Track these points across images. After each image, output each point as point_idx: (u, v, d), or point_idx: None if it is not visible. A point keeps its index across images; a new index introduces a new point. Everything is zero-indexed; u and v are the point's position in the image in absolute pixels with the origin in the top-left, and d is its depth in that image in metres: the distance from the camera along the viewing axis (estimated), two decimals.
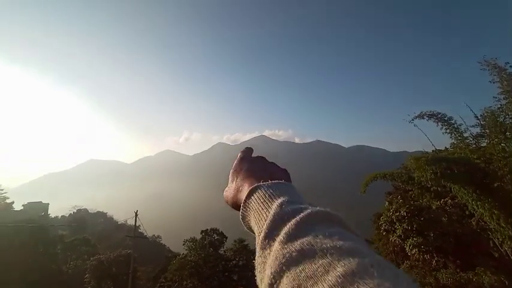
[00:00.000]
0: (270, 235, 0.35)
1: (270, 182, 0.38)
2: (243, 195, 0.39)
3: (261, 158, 0.52)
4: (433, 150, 8.51)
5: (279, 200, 0.36)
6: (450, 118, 6.95)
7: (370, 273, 0.35)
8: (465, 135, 6.90)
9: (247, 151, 0.56)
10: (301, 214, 0.35)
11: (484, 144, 6.70)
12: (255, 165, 0.49)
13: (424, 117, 7.18)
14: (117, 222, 65.55)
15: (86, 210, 68.07)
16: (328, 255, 0.35)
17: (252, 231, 0.37)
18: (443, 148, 8.58)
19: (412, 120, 7.30)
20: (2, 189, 32.01)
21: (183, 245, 26.37)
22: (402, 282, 0.35)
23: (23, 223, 25.40)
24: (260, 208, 0.36)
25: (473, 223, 7.42)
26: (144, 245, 43.53)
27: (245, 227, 0.39)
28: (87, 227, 49.46)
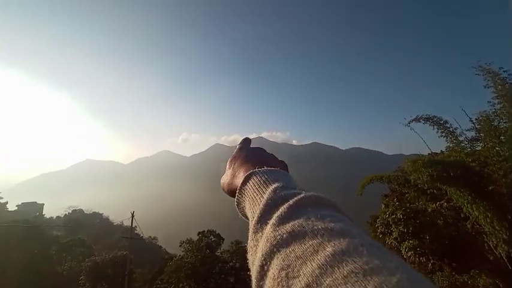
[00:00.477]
0: (263, 219, 0.35)
1: (265, 168, 0.39)
2: (239, 181, 0.40)
3: (260, 148, 0.54)
4: (429, 154, 8.60)
5: (273, 186, 0.36)
6: (446, 122, 7.06)
7: (360, 252, 0.35)
8: (460, 138, 7.00)
9: (246, 141, 0.58)
10: (294, 198, 0.35)
11: (479, 147, 6.80)
12: (253, 153, 0.51)
13: (421, 120, 7.28)
14: (113, 223, 65.04)
15: (81, 210, 67.46)
16: (318, 236, 0.35)
17: (247, 218, 0.37)
18: (439, 151, 8.67)
19: (409, 123, 7.40)
20: None
21: (180, 246, 26.23)
22: (391, 260, 0.35)
23: (17, 224, 25.14)
24: (255, 194, 0.36)
25: (469, 226, 7.48)
26: (141, 246, 43.30)
27: (240, 214, 0.40)
28: (83, 227, 49.00)
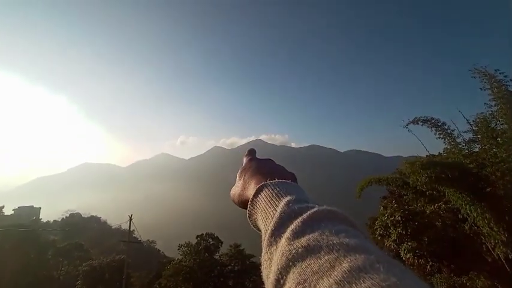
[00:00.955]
0: (277, 232, 0.36)
1: (276, 180, 0.39)
2: (250, 193, 0.40)
3: (269, 160, 0.54)
4: (427, 155, 8.64)
5: (286, 199, 0.36)
6: (444, 123, 7.10)
7: (376, 269, 0.35)
8: (458, 140, 7.05)
9: (252, 152, 0.58)
10: (308, 212, 0.36)
11: (477, 149, 6.84)
12: (263, 164, 0.51)
13: (419, 122, 7.33)
14: (111, 226, 64.52)
15: (79, 214, 66.91)
16: (334, 251, 0.35)
17: (258, 229, 0.37)
18: (436, 153, 8.72)
19: (407, 125, 7.44)
20: None
21: (178, 250, 26.06)
22: (408, 278, 0.35)
23: (14, 228, 24.90)
24: (267, 206, 0.36)
25: (467, 228, 7.51)
26: (138, 250, 42.92)
27: (251, 225, 0.40)
28: (80, 231, 48.58)
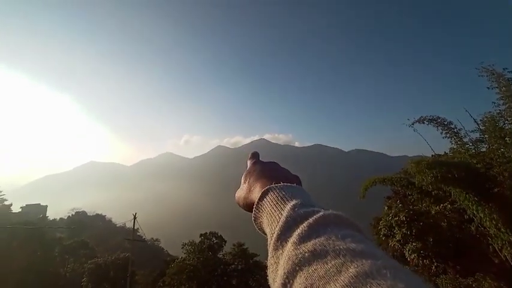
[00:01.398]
0: (283, 236, 0.36)
1: (282, 184, 0.39)
2: (255, 196, 0.40)
3: (274, 163, 0.54)
4: (432, 155, 8.53)
5: (292, 203, 0.37)
6: (450, 122, 7.00)
7: (383, 274, 0.35)
8: (465, 140, 6.94)
9: (256, 155, 0.58)
10: (314, 216, 0.36)
11: (484, 149, 6.73)
12: (268, 168, 0.50)
13: (424, 121, 7.23)
14: (116, 225, 65.27)
15: (84, 212, 67.68)
16: (341, 256, 0.35)
17: (264, 233, 0.37)
18: (442, 153, 8.60)
19: (412, 124, 7.35)
20: (0, 191, 31.86)
21: (182, 248, 26.17)
22: (416, 284, 0.35)
23: (21, 225, 25.27)
24: (273, 210, 0.37)
25: (473, 228, 7.40)
26: (143, 248, 43.30)
27: (256, 228, 0.40)
28: (86, 229, 49.13)
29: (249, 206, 0.44)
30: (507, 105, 6.11)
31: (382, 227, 9.94)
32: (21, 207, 61.58)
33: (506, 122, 6.20)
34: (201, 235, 26.28)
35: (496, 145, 6.23)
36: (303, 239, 0.36)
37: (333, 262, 0.36)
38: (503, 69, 6.30)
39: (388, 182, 8.77)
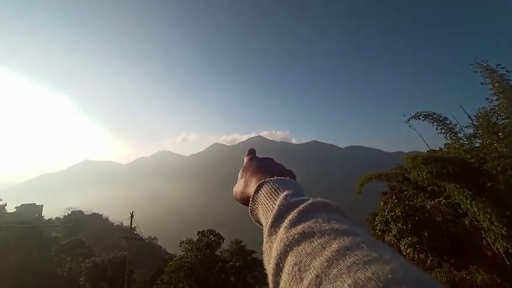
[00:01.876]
0: (276, 223, 0.40)
1: (275, 177, 0.43)
2: (251, 190, 0.44)
3: (269, 159, 0.58)
4: (427, 151, 8.62)
5: (284, 193, 0.40)
6: (445, 118, 7.07)
7: (361, 247, 0.40)
8: (459, 135, 7.02)
9: (252, 151, 0.62)
10: (304, 204, 0.40)
11: (478, 144, 6.82)
12: (263, 163, 0.55)
13: (420, 117, 7.29)
14: (113, 223, 64.98)
15: (80, 211, 67.29)
16: (325, 235, 0.40)
17: (260, 224, 0.41)
18: (437, 148, 8.69)
19: (408, 120, 7.41)
20: None
21: (180, 246, 26.18)
22: (387, 253, 0.40)
23: (17, 225, 25.01)
24: (267, 201, 0.40)
25: (467, 222, 7.52)
26: (140, 246, 43.22)
27: (253, 220, 0.44)
28: (82, 228, 48.82)
29: (246, 200, 0.47)
30: (500, 100, 6.19)
31: (378, 222, 10.04)
32: (16, 207, 60.87)
33: (499, 117, 6.28)
34: (198, 233, 26.30)
35: (489, 140, 6.32)
36: (293, 223, 0.40)
37: (318, 241, 0.40)
38: (497, 65, 6.37)
39: (384, 178, 8.85)
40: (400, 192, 11.48)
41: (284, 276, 0.40)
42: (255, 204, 0.42)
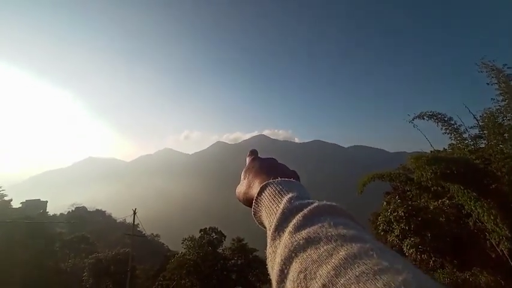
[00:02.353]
0: (280, 227, 0.39)
1: (279, 179, 0.41)
2: (255, 192, 0.42)
3: (272, 159, 0.56)
4: (431, 151, 8.54)
5: (288, 196, 0.39)
6: (450, 119, 6.99)
7: (370, 255, 0.38)
8: (464, 136, 6.94)
9: (254, 152, 0.60)
10: (309, 207, 0.38)
11: (483, 145, 6.74)
12: (266, 164, 0.53)
13: (424, 117, 7.22)
14: (116, 220, 65.49)
15: (84, 208, 67.98)
16: (332, 241, 0.38)
17: (263, 226, 0.40)
18: (441, 149, 8.61)
19: (412, 120, 7.34)
20: (0, 187, 31.83)
21: (182, 243, 26.31)
22: (399, 262, 0.38)
23: (22, 220, 25.30)
24: (271, 203, 0.39)
25: (470, 223, 7.44)
26: (143, 243, 43.49)
27: (256, 222, 0.42)
28: (86, 224, 49.31)
29: (248, 201, 0.46)
30: (506, 101, 6.11)
31: (380, 222, 9.98)
32: (21, 203, 61.53)
33: (505, 118, 6.20)
34: (200, 230, 26.42)
35: (494, 141, 6.24)
36: (298, 228, 0.38)
37: (325, 247, 0.38)
38: (503, 65, 6.28)
39: (387, 178, 8.78)
40: (403, 192, 11.38)
41: (289, 284, 0.39)
42: (258, 206, 0.40)
